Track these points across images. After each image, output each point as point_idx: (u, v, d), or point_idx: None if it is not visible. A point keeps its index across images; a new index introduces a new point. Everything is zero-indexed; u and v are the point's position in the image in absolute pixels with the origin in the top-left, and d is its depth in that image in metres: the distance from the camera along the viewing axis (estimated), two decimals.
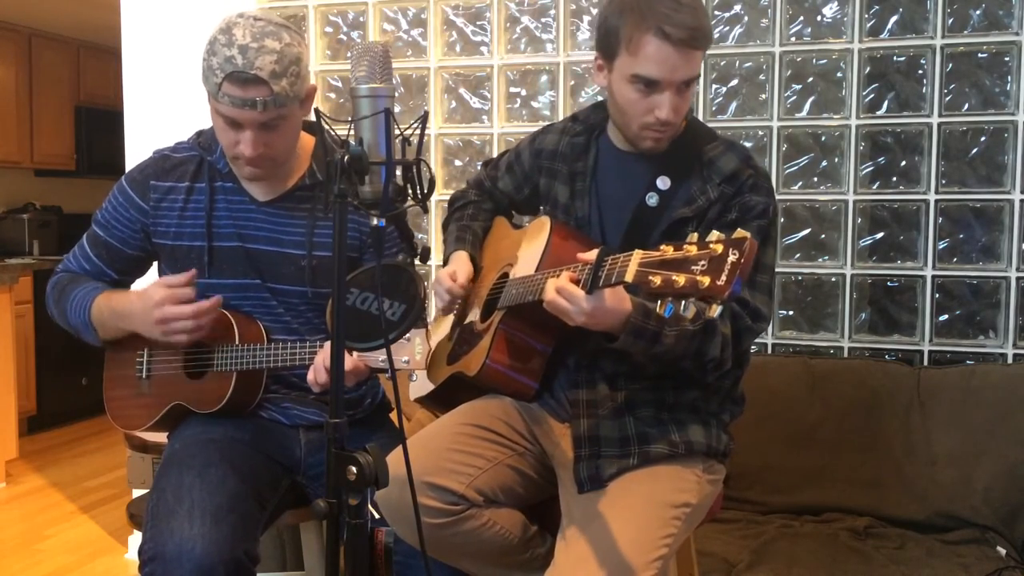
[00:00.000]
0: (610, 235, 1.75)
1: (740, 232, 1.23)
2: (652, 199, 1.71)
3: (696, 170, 1.70)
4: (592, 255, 1.45)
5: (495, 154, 2.96)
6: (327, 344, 1.72)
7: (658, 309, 1.27)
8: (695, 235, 1.28)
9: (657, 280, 1.26)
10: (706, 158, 1.71)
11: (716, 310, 1.23)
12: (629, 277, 1.31)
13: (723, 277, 1.20)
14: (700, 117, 2.76)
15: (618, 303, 1.50)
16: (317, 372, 1.73)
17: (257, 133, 1.74)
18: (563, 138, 1.86)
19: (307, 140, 1.93)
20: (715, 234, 1.25)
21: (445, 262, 1.93)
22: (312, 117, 1.85)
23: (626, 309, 1.51)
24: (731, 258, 1.21)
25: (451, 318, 1.98)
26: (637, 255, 1.32)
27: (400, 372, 1.64)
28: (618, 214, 1.75)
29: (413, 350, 1.66)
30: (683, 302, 1.25)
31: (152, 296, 1.79)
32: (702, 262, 1.23)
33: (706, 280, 1.21)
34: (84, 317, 1.89)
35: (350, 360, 1.69)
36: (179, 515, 1.63)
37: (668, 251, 1.28)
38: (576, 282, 1.49)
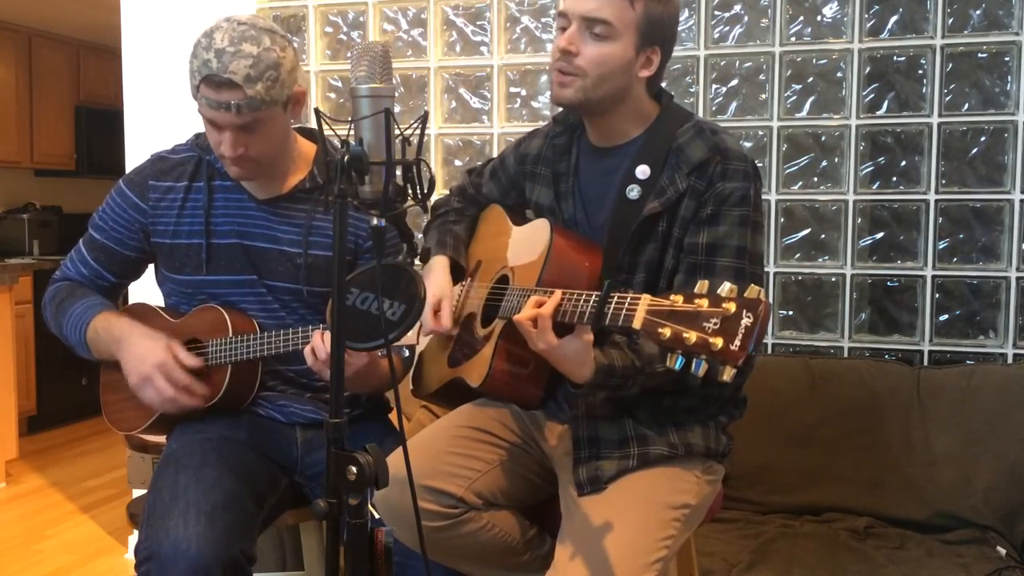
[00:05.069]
0: (596, 235, 1.72)
1: (753, 289, 1.21)
2: (633, 192, 1.65)
3: (669, 156, 1.65)
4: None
5: (495, 154, 2.97)
6: (326, 332, 1.72)
7: (668, 362, 1.24)
8: (705, 284, 1.25)
9: (667, 332, 1.23)
10: (675, 144, 1.65)
11: (730, 373, 1.20)
12: (637, 324, 1.29)
13: (737, 342, 1.18)
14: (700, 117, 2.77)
15: (579, 363, 1.49)
16: (317, 349, 1.69)
17: (235, 135, 1.76)
18: (546, 142, 1.84)
19: (307, 147, 1.96)
20: (727, 287, 1.22)
21: (424, 262, 1.90)
22: (310, 122, 1.85)
23: (586, 373, 1.50)
24: (745, 321, 1.18)
25: None
26: (645, 300, 1.30)
27: (396, 355, 1.63)
28: (600, 211, 1.72)
29: None
30: (694, 360, 1.21)
31: (159, 352, 1.80)
32: (714, 320, 1.20)
33: (719, 342, 1.19)
34: (80, 337, 1.92)
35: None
36: (174, 514, 1.64)
37: (678, 301, 1.25)
38: (573, 314, 1.45)
